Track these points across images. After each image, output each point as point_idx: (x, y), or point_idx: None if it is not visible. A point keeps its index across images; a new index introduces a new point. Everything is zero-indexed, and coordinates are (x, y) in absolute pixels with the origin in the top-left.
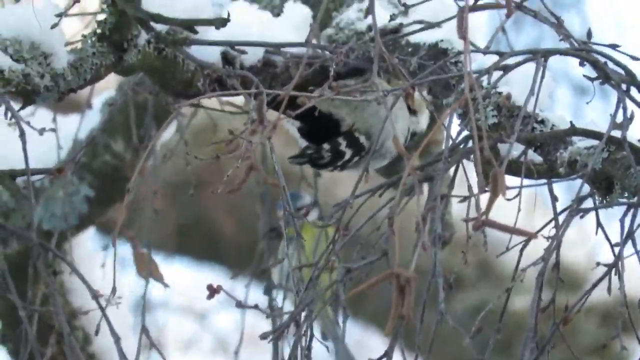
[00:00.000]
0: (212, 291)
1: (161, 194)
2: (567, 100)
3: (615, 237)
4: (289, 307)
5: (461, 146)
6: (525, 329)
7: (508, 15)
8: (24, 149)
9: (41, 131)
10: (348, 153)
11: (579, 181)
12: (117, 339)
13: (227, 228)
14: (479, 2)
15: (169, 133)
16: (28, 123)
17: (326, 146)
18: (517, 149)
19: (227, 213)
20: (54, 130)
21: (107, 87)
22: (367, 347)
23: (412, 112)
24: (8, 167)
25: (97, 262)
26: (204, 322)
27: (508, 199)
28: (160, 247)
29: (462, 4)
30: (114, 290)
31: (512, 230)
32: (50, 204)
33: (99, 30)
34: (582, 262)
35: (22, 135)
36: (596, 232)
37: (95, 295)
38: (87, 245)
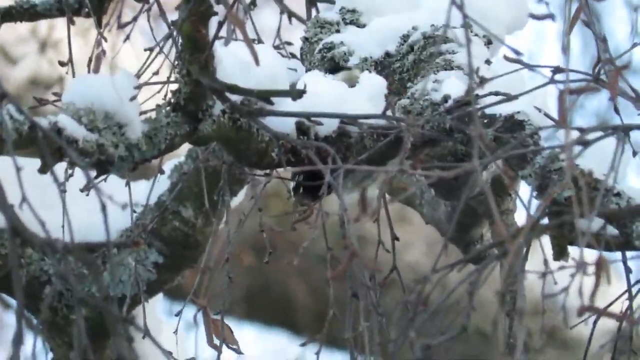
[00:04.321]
0: None
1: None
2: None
3: None
4: None
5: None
6: None
7: (612, 100)
8: (106, 223)
9: (123, 207)
10: None
11: None
12: None
13: (297, 293)
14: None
15: (239, 199)
16: (110, 198)
17: None
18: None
19: (297, 277)
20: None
21: (176, 154)
22: None
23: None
24: (79, 238)
25: (165, 328)
26: None
27: (587, 274)
28: (229, 312)
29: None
30: None
31: (618, 317)
32: (117, 270)
33: (173, 100)
34: None
35: (104, 209)
36: None
37: None
38: (155, 312)
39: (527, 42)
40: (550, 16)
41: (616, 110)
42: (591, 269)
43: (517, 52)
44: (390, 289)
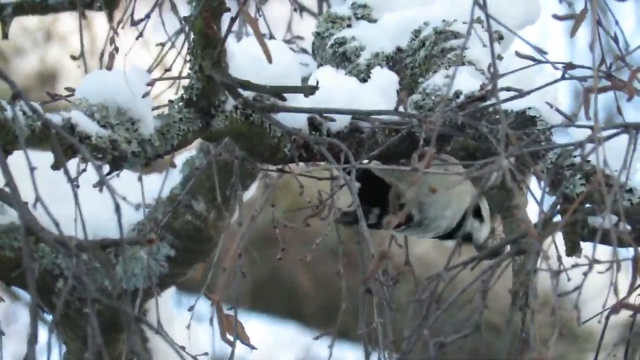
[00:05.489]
0: None
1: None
2: None
3: None
4: None
5: (553, 218)
6: None
7: (629, 99)
8: (119, 222)
9: (137, 207)
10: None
11: None
12: None
13: (304, 284)
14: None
15: (250, 192)
16: (124, 199)
17: (376, 210)
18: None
19: (304, 269)
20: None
21: (188, 147)
22: None
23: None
24: (92, 232)
25: (177, 321)
26: None
27: (599, 272)
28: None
29: (586, 84)
30: None
31: None
32: (130, 263)
33: (185, 96)
34: None
35: (117, 209)
36: None
37: None
38: (166, 304)
39: (534, 33)
40: (573, 17)
41: (619, 111)
42: (603, 267)
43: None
44: (401, 282)
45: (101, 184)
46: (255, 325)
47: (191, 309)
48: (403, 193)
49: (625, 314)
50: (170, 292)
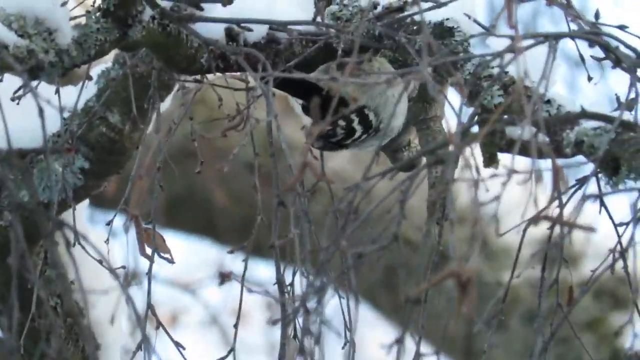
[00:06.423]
0: (223, 277)
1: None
2: (562, 72)
3: (617, 214)
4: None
5: (471, 129)
6: (516, 302)
7: (549, 4)
8: (43, 128)
9: (61, 110)
10: (359, 130)
11: (583, 159)
12: (139, 320)
13: (220, 200)
14: None
15: (166, 105)
16: (49, 102)
17: (342, 122)
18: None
19: (219, 185)
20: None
21: (104, 59)
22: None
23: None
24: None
25: (92, 236)
26: (194, 295)
27: (518, 183)
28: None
29: None
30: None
31: (570, 225)
32: (44, 175)
33: (103, 6)
34: (578, 235)
35: (41, 114)
36: (599, 212)
37: (117, 276)
38: (81, 219)
39: None
40: None
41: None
42: (523, 177)
43: None
44: (316, 196)
45: (24, 87)
46: (170, 241)
47: (109, 223)
48: (350, 98)
49: (542, 228)
50: (84, 207)
